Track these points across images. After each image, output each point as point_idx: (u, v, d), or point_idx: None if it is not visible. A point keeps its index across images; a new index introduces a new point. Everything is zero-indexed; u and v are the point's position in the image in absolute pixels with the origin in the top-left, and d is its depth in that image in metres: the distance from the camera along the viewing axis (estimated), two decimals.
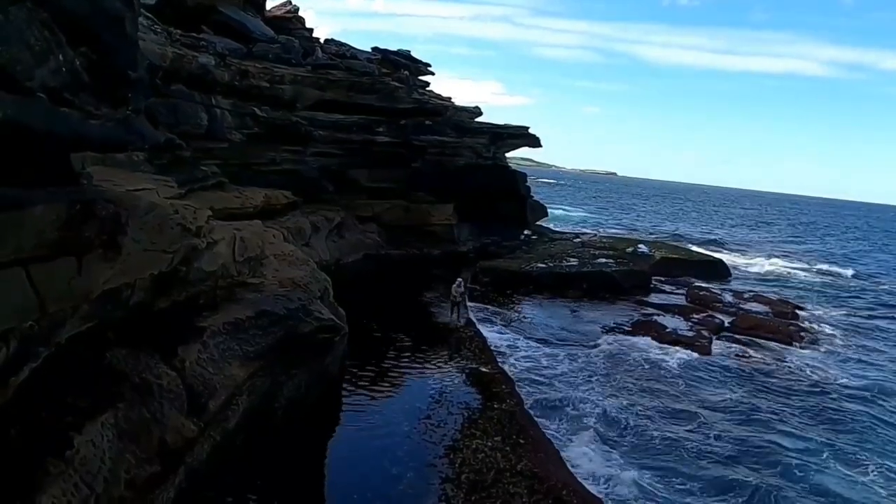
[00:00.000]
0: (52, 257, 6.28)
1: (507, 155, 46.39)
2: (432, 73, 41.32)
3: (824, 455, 15.85)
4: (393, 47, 40.40)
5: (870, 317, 35.01)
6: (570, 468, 13.70)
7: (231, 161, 24.55)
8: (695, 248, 51.57)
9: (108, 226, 6.86)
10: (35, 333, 6.40)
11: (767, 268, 49.50)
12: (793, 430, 17.16)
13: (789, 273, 48.36)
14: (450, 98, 41.51)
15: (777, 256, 57.65)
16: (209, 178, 20.92)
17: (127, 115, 6.68)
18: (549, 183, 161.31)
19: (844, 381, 22.39)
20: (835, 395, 20.67)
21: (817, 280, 46.74)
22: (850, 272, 51.99)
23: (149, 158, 17.78)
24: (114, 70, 6.41)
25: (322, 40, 37.07)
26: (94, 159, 12.67)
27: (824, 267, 54.28)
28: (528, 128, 44.98)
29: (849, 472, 15.04)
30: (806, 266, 53.70)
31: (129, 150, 7.31)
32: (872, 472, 15.18)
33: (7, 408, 6.50)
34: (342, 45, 37.89)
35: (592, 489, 12.88)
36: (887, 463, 15.61)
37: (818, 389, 20.92)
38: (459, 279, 23.57)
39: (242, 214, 18.76)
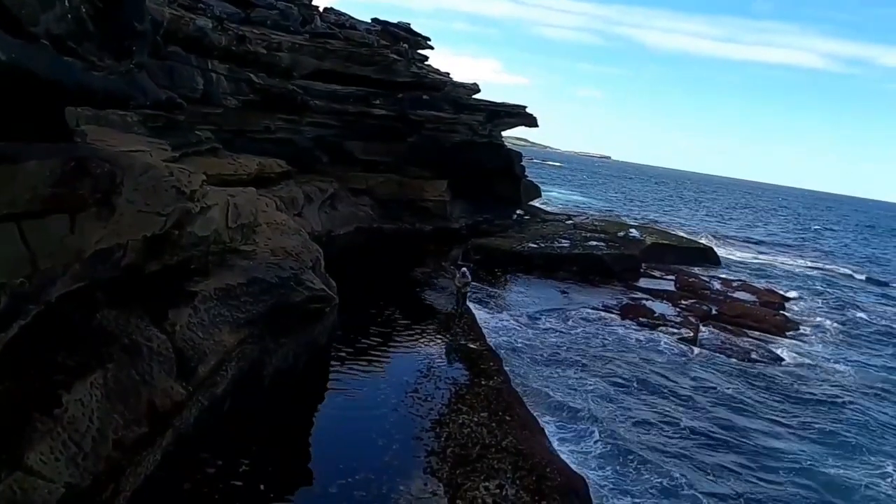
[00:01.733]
0: (45, 214, 6.21)
1: (503, 134, 46.19)
2: (431, 48, 40.97)
3: (788, 439, 16.34)
4: (393, 19, 39.96)
5: (855, 307, 35.42)
6: (554, 446, 13.85)
7: (225, 127, 24.29)
8: (685, 235, 51.73)
9: (102, 184, 6.78)
10: (26, 290, 6.33)
11: (757, 258, 49.82)
12: (770, 416, 17.51)
13: (779, 264, 48.67)
14: (448, 73, 41.19)
15: (765, 246, 57.99)
16: (203, 143, 20.71)
17: (130, 68, 6.57)
18: (544, 164, 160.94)
19: (826, 372, 22.68)
20: (814, 386, 20.95)
21: (808, 272, 47.06)
22: (843, 268, 52.34)
23: (142, 120, 17.58)
24: (120, 20, 6.29)
25: (321, 9, 36.62)
26: (88, 119, 12.56)
27: (815, 259, 54.70)
28: (525, 107, 44.78)
29: (837, 464, 15.35)
30: (797, 257, 54.07)
31: (131, 106, 7.20)
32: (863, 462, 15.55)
33: None
34: (341, 14, 37.47)
35: (574, 467, 13.02)
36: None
37: (798, 379, 21.17)
38: (464, 268, 22.39)
39: (236, 181, 18.59)
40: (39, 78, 5.44)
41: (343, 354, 15.88)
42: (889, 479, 14.79)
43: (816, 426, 17.26)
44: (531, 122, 45.59)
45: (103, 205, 6.96)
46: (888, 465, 15.47)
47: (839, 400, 19.67)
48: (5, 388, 6.43)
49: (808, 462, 15.08)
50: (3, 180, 5.65)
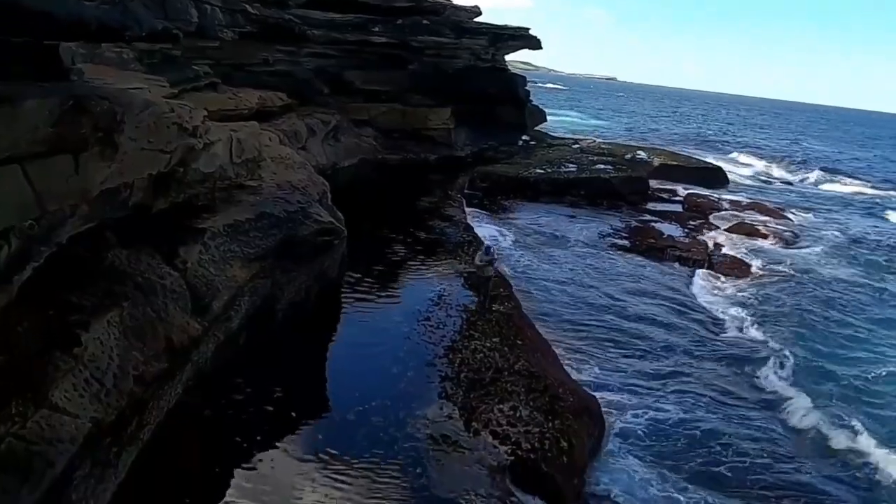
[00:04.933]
0: (47, 154, 6.16)
1: (506, 58, 45.12)
2: None
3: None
4: None
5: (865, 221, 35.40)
6: (564, 367, 14.12)
7: (223, 61, 23.81)
8: (694, 155, 51.12)
9: (103, 122, 6.69)
10: (35, 233, 6.35)
11: (768, 175, 49.35)
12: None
13: (790, 182, 48.26)
14: None
15: (777, 163, 57.35)
16: (201, 78, 20.36)
17: None
18: (549, 87, 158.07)
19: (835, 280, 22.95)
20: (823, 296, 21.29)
21: (817, 189, 46.75)
22: (853, 182, 51.85)
23: (139, 57, 17.24)
24: None
25: None
26: (84, 57, 12.30)
27: (824, 175, 54.17)
28: (528, 29, 43.55)
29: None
30: (806, 174, 53.55)
31: (126, 37, 7.01)
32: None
33: (12, 307, 6.54)
34: None
35: (587, 388, 13.32)
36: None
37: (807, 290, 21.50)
38: (487, 244, 18.39)
39: (237, 116, 18.36)
40: (29, 9, 5.27)
41: (354, 286, 15.99)
42: None
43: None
44: (535, 44, 44.40)
45: (106, 143, 6.88)
46: None
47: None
48: (24, 330, 6.53)
49: None
50: (3, 122, 5.58)
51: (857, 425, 13.87)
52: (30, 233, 6.25)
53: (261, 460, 9.36)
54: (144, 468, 7.62)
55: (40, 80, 6.80)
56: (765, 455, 12.90)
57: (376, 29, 33.10)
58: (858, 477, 12.64)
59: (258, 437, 9.77)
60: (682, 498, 11.25)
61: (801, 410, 14.44)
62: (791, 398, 14.95)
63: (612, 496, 11.08)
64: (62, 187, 6.43)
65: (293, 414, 10.59)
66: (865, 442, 13.44)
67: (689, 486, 11.64)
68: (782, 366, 16.29)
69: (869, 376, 16.25)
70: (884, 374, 16.43)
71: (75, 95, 6.43)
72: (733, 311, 19.82)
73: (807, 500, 11.87)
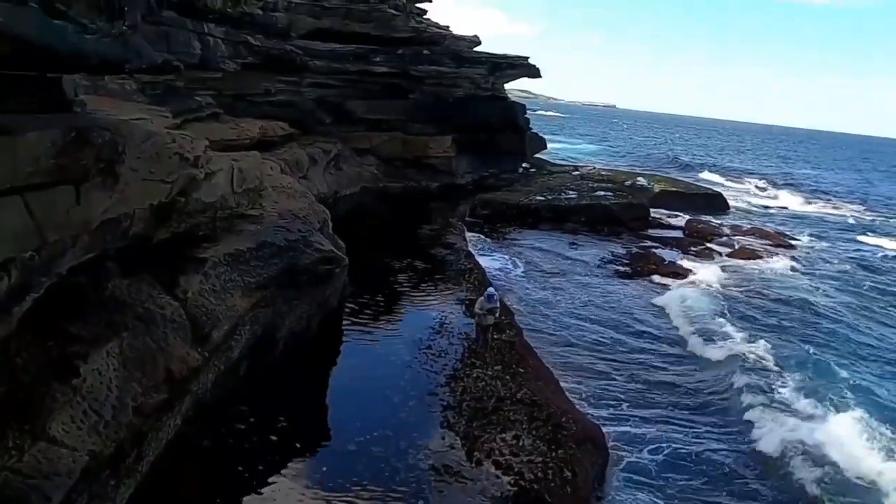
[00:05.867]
0: (49, 186, 6.16)
1: (506, 87, 45.46)
2: (429, 0, 40.09)
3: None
4: None
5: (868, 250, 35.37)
6: (567, 396, 14.01)
7: (225, 92, 24.01)
8: (692, 182, 51.29)
9: (104, 153, 6.71)
10: (36, 263, 6.33)
11: (765, 201, 49.46)
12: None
13: (788, 207, 48.33)
14: (448, 27, 40.40)
15: (779, 188, 57.49)
16: (204, 108, 20.50)
17: (123, 30, 6.42)
18: (548, 115, 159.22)
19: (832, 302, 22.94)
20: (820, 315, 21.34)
21: (818, 214, 46.82)
22: (857, 206, 51.94)
23: (141, 88, 17.39)
24: None
25: None
26: (86, 89, 12.40)
27: (825, 200, 54.29)
28: (527, 57, 43.92)
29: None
30: (808, 199, 53.64)
31: (126, 69, 7.06)
32: None
33: (11, 338, 6.51)
34: None
35: (590, 417, 13.20)
36: None
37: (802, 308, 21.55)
38: (490, 290, 15.38)
39: (239, 146, 18.48)
40: (30, 43, 5.31)
41: (355, 314, 15.95)
42: None
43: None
44: (533, 72, 44.72)
45: (107, 174, 6.90)
46: None
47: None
48: (22, 360, 6.49)
49: None
50: (5, 153, 5.60)
51: None
52: (30, 264, 6.24)
53: (261, 491, 9.27)
54: (144, 500, 7.54)
55: (43, 112, 6.85)
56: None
57: (377, 59, 33.42)
58: None
59: (259, 467, 9.70)
60: None
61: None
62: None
63: None
64: (63, 218, 6.42)
65: (294, 444, 10.50)
66: None
67: None
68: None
69: None
70: None
71: (77, 127, 6.46)
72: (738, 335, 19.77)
73: None
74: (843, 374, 17.45)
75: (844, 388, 16.52)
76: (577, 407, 13.39)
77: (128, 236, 8.12)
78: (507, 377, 13.43)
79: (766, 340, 19.17)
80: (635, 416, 14.71)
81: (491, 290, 15.14)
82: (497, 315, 14.59)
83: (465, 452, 10.86)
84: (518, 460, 10.70)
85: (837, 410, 15.24)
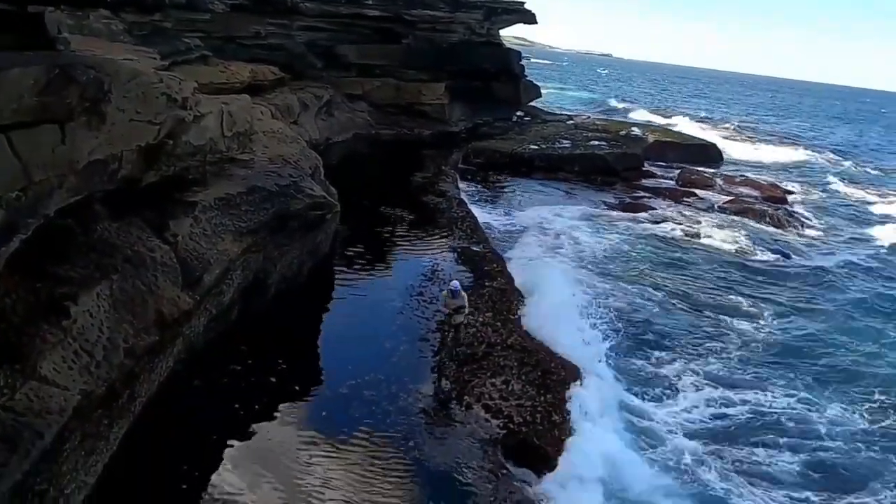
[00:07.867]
0: (33, 124, 6.07)
1: (501, 33, 44.69)
2: None
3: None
4: None
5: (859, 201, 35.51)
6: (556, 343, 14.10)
7: (214, 34, 23.56)
8: (687, 132, 50.86)
9: (89, 92, 6.58)
10: (22, 204, 6.25)
11: (760, 153, 49.17)
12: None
13: (782, 158, 48.13)
14: None
15: (765, 141, 57.13)
16: (192, 50, 20.12)
17: None
18: (544, 63, 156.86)
19: (824, 262, 23.13)
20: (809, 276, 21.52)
21: (812, 164, 46.78)
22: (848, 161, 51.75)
23: (128, 29, 16.99)
24: None
25: None
26: (71, 29, 12.09)
27: (821, 152, 54.05)
28: (523, 2, 43.15)
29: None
30: (802, 150, 53.37)
31: (109, 3, 6.87)
32: None
33: (0, 279, 6.48)
34: None
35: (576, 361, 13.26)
36: None
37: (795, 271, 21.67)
38: (454, 284, 12.85)
39: (228, 89, 18.18)
40: None
41: (347, 260, 15.95)
42: None
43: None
44: (530, 18, 43.98)
45: (93, 113, 6.78)
46: None
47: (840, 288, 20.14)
48: (11, 302, 6.47)
49: None
50: None
51: None
52: (16, 204, 6.16)
53: (253, 430, 9.43)
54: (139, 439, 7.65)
55: (25, 50, 6.68)
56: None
57: (370, 2, 32.76)
58: None
59: (254, 407, 9.86)
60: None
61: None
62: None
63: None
64: (48, 158, 6.32)
65: (286, 387, 10.63)
66: None
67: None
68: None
69: None
70: None
71: (61, 64, 6.32)
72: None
73: None
74: None
75: None
76: (563, 351, 13.42)
77: (116, 179, 8.02)
78: (498, 324, 13.53)
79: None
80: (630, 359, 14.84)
81: (455, 283, 13.03)
82: (466, 313, 12.66)
83: (455, 396, 11.02)
84: (507, 404, 10.88)
85: None
